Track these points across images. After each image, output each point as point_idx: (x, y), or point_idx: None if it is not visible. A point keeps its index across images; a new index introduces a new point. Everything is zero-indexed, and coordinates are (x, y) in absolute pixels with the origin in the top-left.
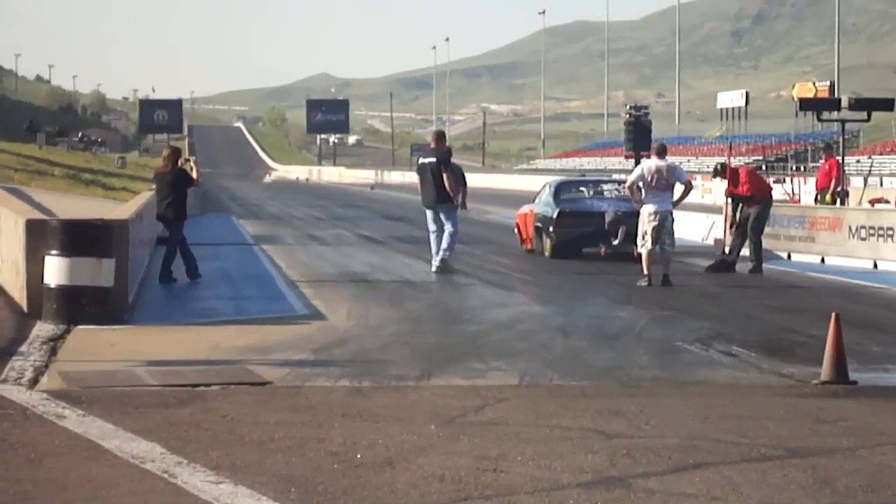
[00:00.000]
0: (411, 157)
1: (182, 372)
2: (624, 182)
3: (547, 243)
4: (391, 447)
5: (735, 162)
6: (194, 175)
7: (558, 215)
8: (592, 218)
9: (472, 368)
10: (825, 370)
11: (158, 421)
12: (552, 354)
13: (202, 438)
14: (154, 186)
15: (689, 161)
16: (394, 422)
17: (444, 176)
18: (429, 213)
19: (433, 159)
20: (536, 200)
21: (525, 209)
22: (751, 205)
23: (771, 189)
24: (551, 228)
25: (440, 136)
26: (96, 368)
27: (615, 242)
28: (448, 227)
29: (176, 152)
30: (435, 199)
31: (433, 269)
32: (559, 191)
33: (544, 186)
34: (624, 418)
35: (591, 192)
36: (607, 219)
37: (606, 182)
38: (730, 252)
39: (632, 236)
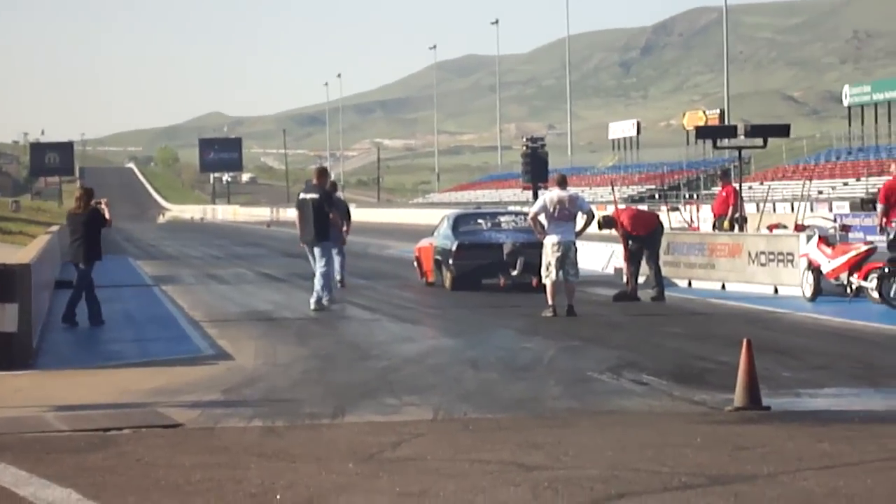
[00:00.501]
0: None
1: (92, 416)
2: (521, 213)
3: (447, 275)
4: (311, 487)
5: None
6: (107, 216)
7: (457, 248)
8: (491, 249)
9: (386, 404)
10: (738, 396)
11: (72, 466)
12: (464, 388)
13: (118, 483)
14: (67, 227)
15: (583, 191)
16: (311, 461)
17: (329, 214)
18: (310, 250)
19: (315, 195)
20: (435, 233)
21: (424, 242)
22: (642, 239)
23: (657, 220)
24: (451, 261)
25: (322, 172)
26: (4, 415)
27: (514, 273)
28: (320, 266)
29: (88, 193)
30: (314, 236)
31: (314, 305)
32: (457, 223)
33: (443, 219)
34: (542, 450)
35: (489, 224)
36: (505, 250)
37: (504, 214)
38: (626, 282)
39: (530, 267)
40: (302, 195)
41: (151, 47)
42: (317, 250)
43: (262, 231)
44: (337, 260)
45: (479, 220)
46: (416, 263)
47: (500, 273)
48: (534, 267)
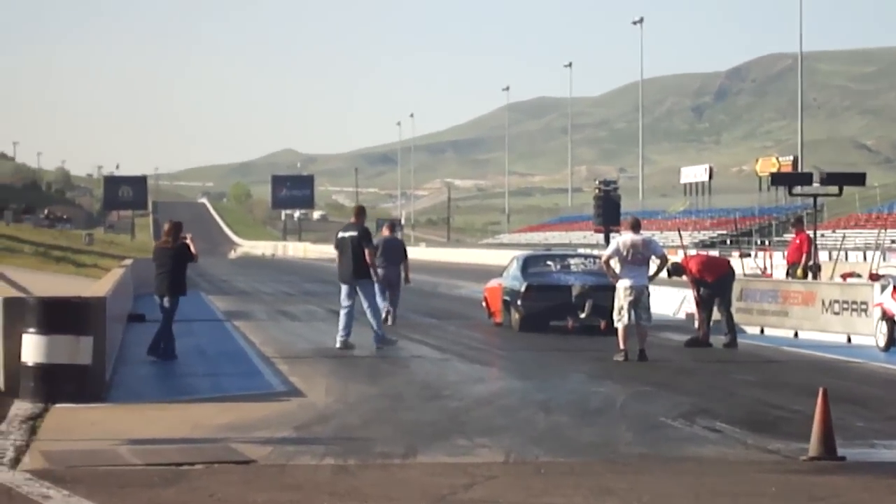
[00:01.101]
0: (376, 232)
1: (164, 450)
2: (590, 256)
3: (515, 316)
4: None
5: (697, 236)
6: (193, 250)
7: (526, 289)
8: (560, 291)
9: (458, 445)
10: (813, 446)
11: (144, 501)
12: (536, 431)
13: None
14: (154, 260)
15: (653, 235)
16: (384, 501)
17: (366, 251)
18: (344, 289)
19: (354, 233)
20: (504, 274)
21: (493, 283)
22: (712, 285)
23: (727, 266)
24: (519, 302)
25: (361, 212)
26: (78, 447)
27: (582, 315)
28: (365, 304)
29: (177, 226)
30: (352, 273)
31: (337, 345)
32: (527, 265)
33: (512, 260)
34: (616, 496)
35: (559, 266)
36: (574, 292)
37: (573, 256)
38: (698, 328)
39: (599, 309)
40: (341, 234)
41: (227, 84)
42: (359, 289)
43: (332, 268)
44: (379, 297)
45: (549, 262)
46: (484, 303)
47: (569, 315)
48: (602, 310)
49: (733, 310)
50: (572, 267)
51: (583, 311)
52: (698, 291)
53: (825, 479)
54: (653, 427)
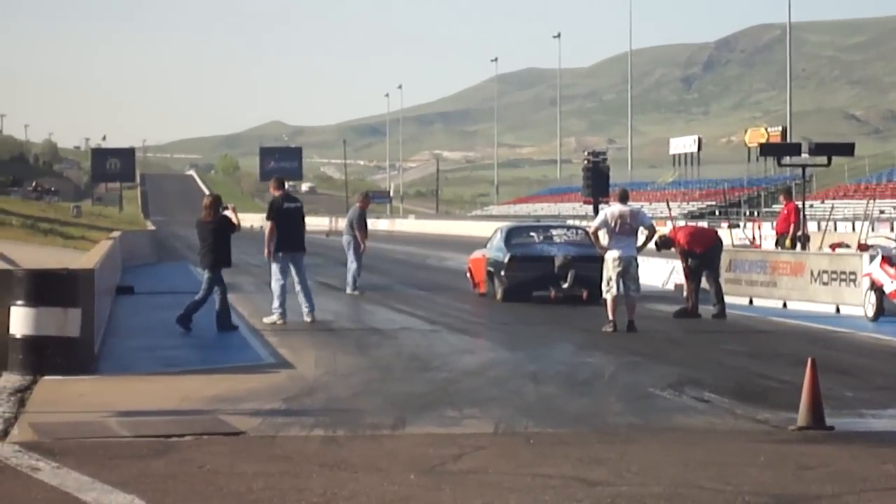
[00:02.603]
0: None
1: (154, 422)
2: (573, 227)
3: (499, 287)
4: (373, 498)
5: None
6: (235, 221)
7: (509, 260)
8: (542, 262)
9: (447, 416)
10: (801, 416)
11: (134, 472)
12: (525, 401)
13: (180, 490)
14: (197, 235)
15: (642, 206)
16: (373, 472)
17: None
18: (283, 261)
19: (298, 204)
20: (488, 245)
21: (477, 254)
22: (700, 256)
23: (715, 237)
24: (503, 272)
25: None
26: (67, 419)
27: (564, 286)
28: (298, 281)
29: (217, 200)
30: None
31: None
32: (510, 236)
33: (496, 232)
34: (605, 466)
35: (541, 237)
36: (556, 263)
37: (556, 227)
38: (687, 299)
39: (581, 279)
40: (286, 205)
41: (214, 56)
42: (294, 263)
43: (320, 240)
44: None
45: (532, 233)
46: (468, 274)
47: (551, 285)
48: (584, 280)
49: (722, 280)
50: (555, 238)
51: (565, 281)
52: (686, 262)
53: (814, 448)
54: (642, 397)
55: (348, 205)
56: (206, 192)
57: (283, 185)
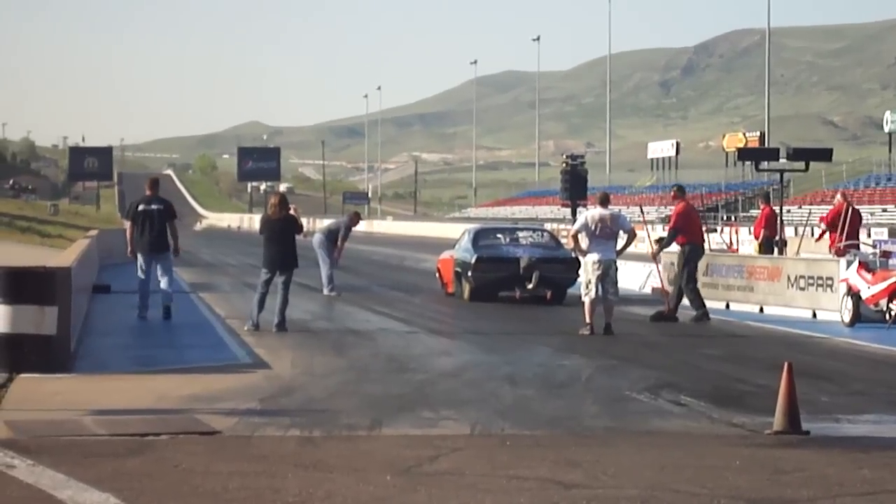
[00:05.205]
0: (343, 205)
1: (129, 421)
2: (539, 229)
3: (466, 287)
4: (348, 498)
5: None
6: (300, 222)
7: (476, 261)
8: (508, 263)
9: (423, 418)
10: (778, 420)
11: (110, 471)
12: (502, 403)
13: (156, 489)
14: (263, 233)
15: (620, 210)
16: (349, 472)
17: (169, 225)
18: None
19: (160, 206)
20: (456, 246)
21: (446, 255)
22: (679, 243)
23: (700, 236)
24: (470, 273)
25: (156, 184)
26: (43, 417)
27: (529, 287)
28: (163, 283)
29: (284, 199)
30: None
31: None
32: (477, 238)
33: (464, 233)
34: (581, 468)
35: (508, 239)
36: (522, 264)
37: (522, 230)
38: (665, 302)
39: (545, 281)
40: (142, 206)
41: (192, 55)
42: (158, 263)
43: (298, 241)
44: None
45: (499, 235)
46: (437, 274)
47: (517, 286)
48: (548, 281)
49: (699, 285)
50: (521, 240)
51: (530, 282)
52: (659, 243)
53: (790, 452)
54: (618, 400)
55: (326, 205)
56: (184, 191)
57: (155, 186)
